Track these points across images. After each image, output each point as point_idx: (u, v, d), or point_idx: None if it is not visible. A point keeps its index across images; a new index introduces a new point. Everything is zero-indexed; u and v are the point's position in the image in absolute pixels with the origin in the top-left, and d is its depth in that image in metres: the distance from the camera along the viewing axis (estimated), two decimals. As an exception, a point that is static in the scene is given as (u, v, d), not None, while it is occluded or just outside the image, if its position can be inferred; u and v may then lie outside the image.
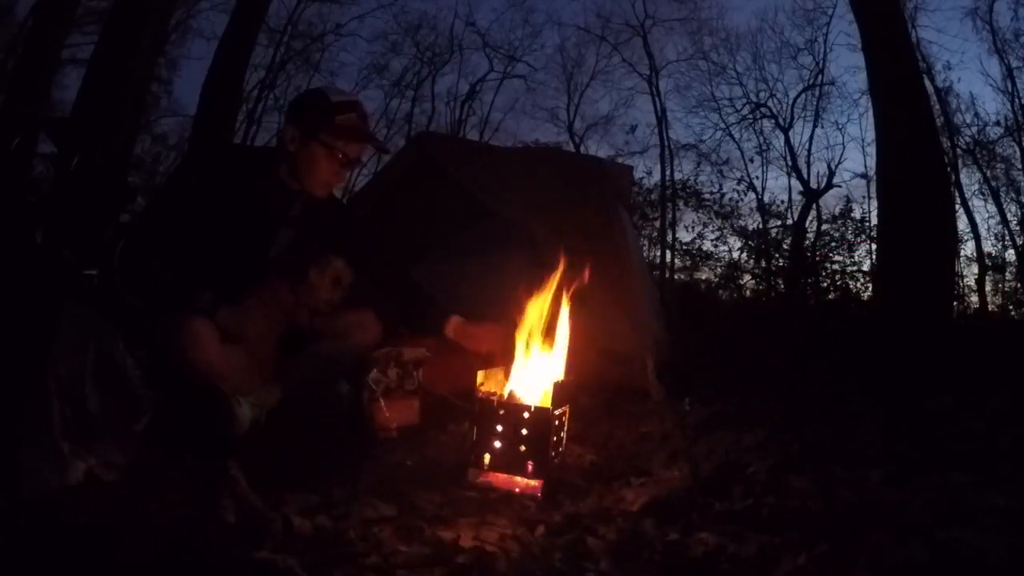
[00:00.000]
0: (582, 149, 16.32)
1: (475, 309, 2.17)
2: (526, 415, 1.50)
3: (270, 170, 1.99)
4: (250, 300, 2.01)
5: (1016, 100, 13.67)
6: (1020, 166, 13.85)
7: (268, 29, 13.75)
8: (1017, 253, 13.74)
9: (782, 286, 12.39)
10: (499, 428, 1.51)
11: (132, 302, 1.84)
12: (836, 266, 12.18)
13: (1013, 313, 12.32)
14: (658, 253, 14.25)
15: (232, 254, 1.94)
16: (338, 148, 1.93)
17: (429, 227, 3.47)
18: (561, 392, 1.58)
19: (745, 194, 14.49)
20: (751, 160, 15.22)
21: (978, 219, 13.90)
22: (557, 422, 1.55)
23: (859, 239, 12.43)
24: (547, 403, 1.55)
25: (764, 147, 15.29)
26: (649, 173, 14.81)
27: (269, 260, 2.04)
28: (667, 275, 13.56)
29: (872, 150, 10.38)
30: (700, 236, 13.80)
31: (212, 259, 1.91)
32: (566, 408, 1.64)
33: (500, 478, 1.49)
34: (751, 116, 15.47)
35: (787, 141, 14.82)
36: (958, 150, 13.72)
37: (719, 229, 13.75)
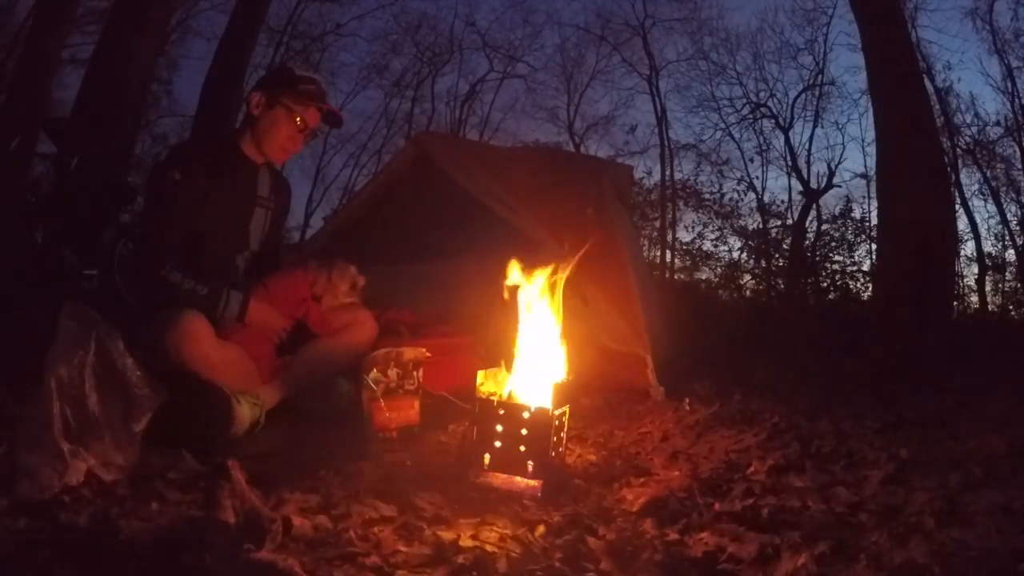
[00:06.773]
0: (582, 149, 16.26)
1: (472, 308, 2.16)
2: (526, 415, 1.50)
3: (235, 148, 2.10)
4: (275, 293, 2.04)
5: (1016, 100, 13.59)
6: (1020, 166, 13.76)
7: (268, 29, 13.67)
8: (1017, 253, 13.68)
9: (782, 286, 12.38)
10: (499, 428, 1.51)
11: (132, 303, 1.85)
12: (836, 266, 12.17)
13: (1013, 313, 12.28)
14: (658, 253, 14.23)
15: (215, 242, 2.02)
16: (298, 112, 2.06)
17: (428, 227, 3.47)
18: (561, 392, 1.58)
19: (745, 194, 14.44)
20: (751, 160, 15.14)
21: (978, 219, 13.77)
22: (557, 422, 1.55)
23: (859, 239, 12.40)
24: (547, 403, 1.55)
25: (764, 147, 15.21)
26: (649, 173, 14.74)
27: (248, 244, 2.13)
28: (667, 275, 13.53)
29: (872, 150, 10.32)
30: (700, 236, 13.77)
31: (200, 249, 1.95)
32: (566, 408, 1.63)
33: (500, 478, 1.49)
34: (751, 116, 15.39)
35: (787, 141, 14.73)
36: (958, 150, 13.65)
37: (719, 229, 13.71)
